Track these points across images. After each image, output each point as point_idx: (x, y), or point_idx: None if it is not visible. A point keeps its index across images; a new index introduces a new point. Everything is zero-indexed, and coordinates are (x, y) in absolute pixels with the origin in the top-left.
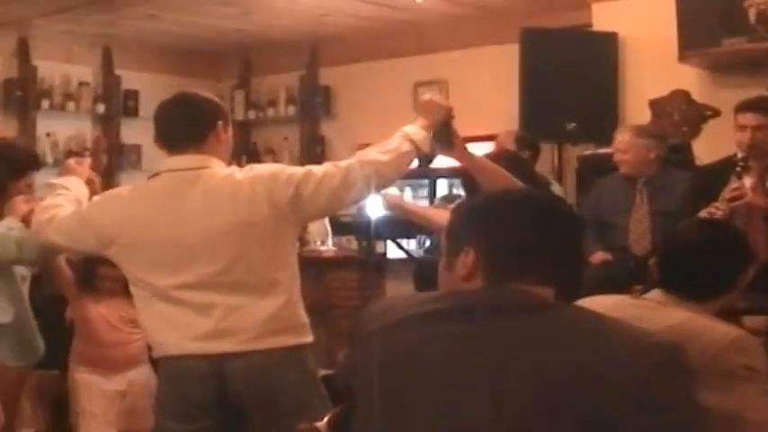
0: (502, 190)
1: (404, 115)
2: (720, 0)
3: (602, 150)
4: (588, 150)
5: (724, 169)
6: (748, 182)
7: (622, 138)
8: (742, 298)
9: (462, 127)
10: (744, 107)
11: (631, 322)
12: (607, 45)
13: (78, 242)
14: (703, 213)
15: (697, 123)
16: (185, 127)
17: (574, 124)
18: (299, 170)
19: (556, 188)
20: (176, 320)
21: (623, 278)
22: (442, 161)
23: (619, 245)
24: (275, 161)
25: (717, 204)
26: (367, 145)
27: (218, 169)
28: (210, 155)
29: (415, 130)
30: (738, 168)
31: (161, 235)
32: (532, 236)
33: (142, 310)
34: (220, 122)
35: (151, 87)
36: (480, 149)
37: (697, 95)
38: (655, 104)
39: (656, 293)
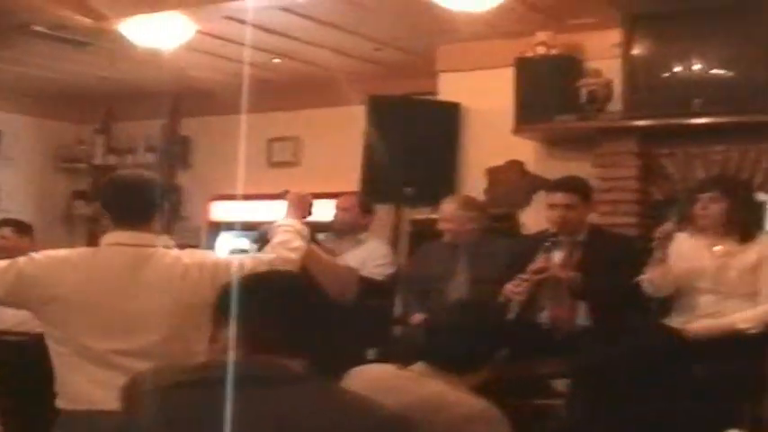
0: (260, 272)
1: (257, 169)
2: (555, 79)
3: (435, 216)
4: (424, 215)
5: (539, 242)
6: (558, 256)
7: (447, 208)
8: (548, 364)
9: (313, 184)
10: (554, 187)
11: (389, 392)
12: (450, 114)
13: (16, 295)
14: (509, 285)
15: (529, 193)
16: (140, 205)
17: (411, 189)
18: (233, 260)
19: None
20: (106, 382)
21: None
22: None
23: None
24: None
25: (523, 276)
26: (222, 196)
27: (165, 249)
28: (154, 233)
29: (301, 226)
30: (547, 244)
31: (112, 302)
32: (283, 313)
33: (62, 366)
34: (166, 204)
35: (15, 128)
36: (326, 206)
37: (531, 166)
38: (491, 173)
39: (419, 365)
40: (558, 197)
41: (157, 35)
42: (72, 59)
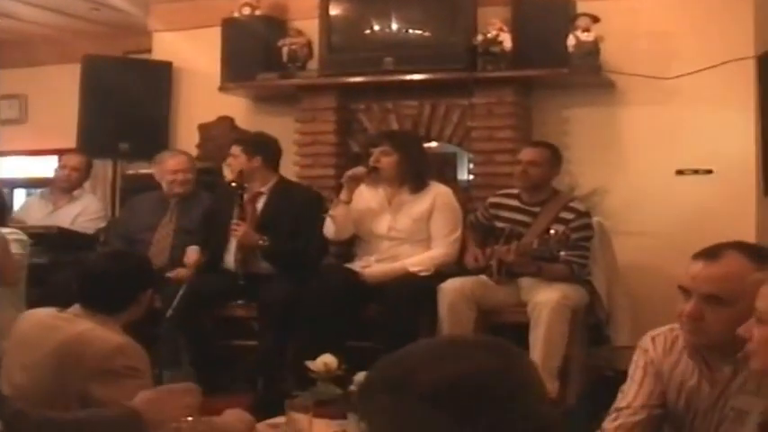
0: None
1: None
2: (258, 38)
3: (144, 171)
4: (143, 169)
5: (232, 192)
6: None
7: (186, 158)
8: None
9: (39, 140)
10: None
11: (49, 330)
12: (162, 73)
13: None
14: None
15: None
16: None
17: (126, 144)
18: None
19: None
20: None
21: None
22: None
23: None
24: None
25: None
26: None
27: None
28: None
29: None
30: (240, 200)
31: None
32: None
33: None
34: None
35: None
36: (49, 163)
37: (240, 122)
38: (203, 129)
39: (75, 308)
40: (232, 148)
41: None
42: None
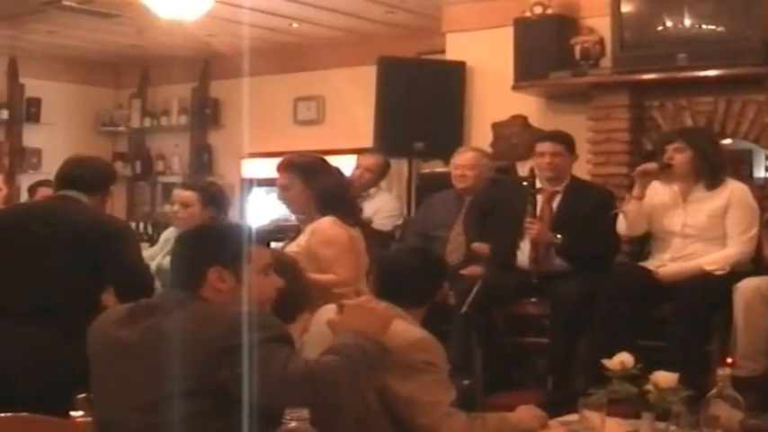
0: None
1: (284, 128)
2: (550, 37)
3: (439, 170)
4: (438, 168)
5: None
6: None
7: (471, 155)
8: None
9: (336, 141)
10: (543, 137)
11: None
12: (455, 73)
13: None
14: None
15: (532, 145)
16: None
17: (421, 144)
18: None
19: None
20: None
21: None
22: None
23: None
24: (166, 167)
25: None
26: (252, 154)
27: None
28: None
29: None
30: (531, 198)
31: None
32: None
33: None
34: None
35: (53, 95)
36: (347, 162)
37: (534, 120)
38: (496, 127)
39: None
40: (547, 146)
41: (179, 5)
42: (102, 30)
